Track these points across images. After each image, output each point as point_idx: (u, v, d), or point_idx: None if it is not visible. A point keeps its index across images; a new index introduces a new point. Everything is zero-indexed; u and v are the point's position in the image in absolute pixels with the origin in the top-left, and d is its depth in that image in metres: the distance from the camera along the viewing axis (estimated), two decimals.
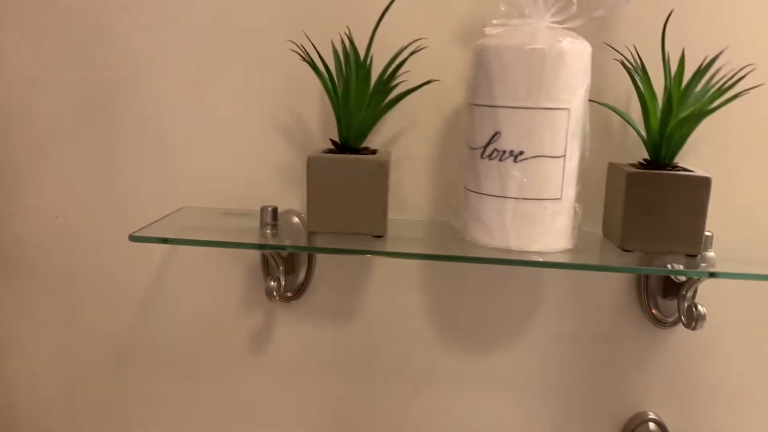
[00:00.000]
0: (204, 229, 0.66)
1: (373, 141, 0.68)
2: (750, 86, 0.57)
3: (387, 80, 0.60)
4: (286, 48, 0.65)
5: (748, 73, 0.58)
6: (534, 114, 0.56)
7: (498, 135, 0.57)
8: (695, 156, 0.66)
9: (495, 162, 0.57)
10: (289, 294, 0.73)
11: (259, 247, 0.65)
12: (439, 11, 0.65)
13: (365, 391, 0.75)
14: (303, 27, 0.66)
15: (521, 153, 0.57)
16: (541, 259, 0.59)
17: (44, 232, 0.75)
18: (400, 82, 0.61)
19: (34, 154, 0.74)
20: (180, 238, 0.61)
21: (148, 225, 0.63)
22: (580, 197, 0.59)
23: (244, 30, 0.68)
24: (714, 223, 0.61)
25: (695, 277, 0.63)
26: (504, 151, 0.57)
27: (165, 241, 0.60)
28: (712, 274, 0.58)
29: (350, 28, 0.61)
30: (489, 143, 0.57)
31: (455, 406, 0.75)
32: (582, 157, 0.59)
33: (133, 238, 0.58)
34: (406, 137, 0.68)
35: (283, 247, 0.64)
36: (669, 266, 0.58)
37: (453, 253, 0.61)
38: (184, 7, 0.68)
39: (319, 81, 0.61)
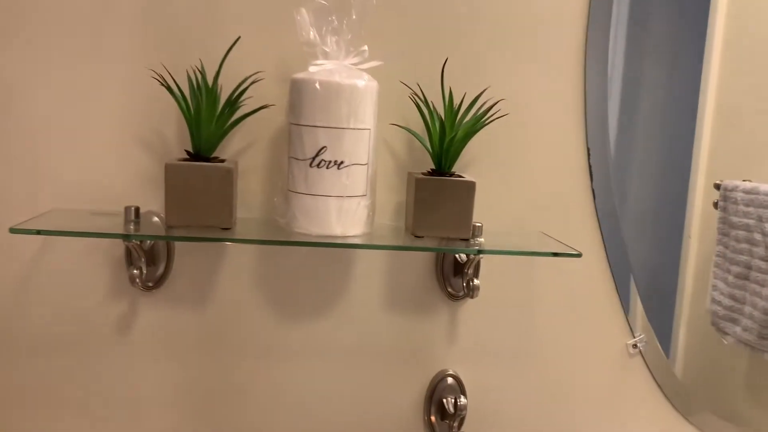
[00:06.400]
0: (74, 226, 0.77)
1: (225, 152, 0.83)
2: (498, 115, 0.79)
3: (231, 104, 0.76)
4: (149, 75, 0.78)
5: (499, 102, 0.80)
6: (351, 133, 0.74)
7: (324, 149, 0.74)
8: (475, 167, 0.87)
9: (323, 170, 0.75)
10: (150, 284, 0.85)
11: (123, 236, 0.77)
12: (277, 48, 0.82)
13: (217, 368, 0.89)
14: (163, 57, 0.80)
15: (342, 162, 0.74)
16: (358, 242, 0.78)
17: None
18: (244, 104, 0.77)
19: None
20: (52, 229, 0.72)
21: (24, 221, 0.73)
22: (374, 193, 0.79)
23: (112, 59, 0.81)
24: (485, 217, 0.82)
25: (472, 255, 0.84)
26: (330, 161, 0.74)
27: (39, 232, 0.71)
28: (480, 251, 0.79)
29: (202, 61, 0.77)
30: (317, 155, 0.74)
31: (293, 373, 0.90)
32: (373, 164, 0.78)
33: (14, 230, 0.69)
34: (253, 149, 0.84)
35: (143, 237, 0.77)
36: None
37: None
38: (62, 34, 0.80)
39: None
